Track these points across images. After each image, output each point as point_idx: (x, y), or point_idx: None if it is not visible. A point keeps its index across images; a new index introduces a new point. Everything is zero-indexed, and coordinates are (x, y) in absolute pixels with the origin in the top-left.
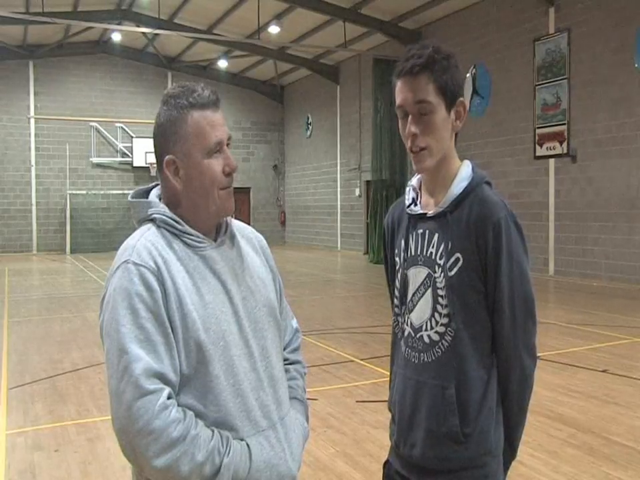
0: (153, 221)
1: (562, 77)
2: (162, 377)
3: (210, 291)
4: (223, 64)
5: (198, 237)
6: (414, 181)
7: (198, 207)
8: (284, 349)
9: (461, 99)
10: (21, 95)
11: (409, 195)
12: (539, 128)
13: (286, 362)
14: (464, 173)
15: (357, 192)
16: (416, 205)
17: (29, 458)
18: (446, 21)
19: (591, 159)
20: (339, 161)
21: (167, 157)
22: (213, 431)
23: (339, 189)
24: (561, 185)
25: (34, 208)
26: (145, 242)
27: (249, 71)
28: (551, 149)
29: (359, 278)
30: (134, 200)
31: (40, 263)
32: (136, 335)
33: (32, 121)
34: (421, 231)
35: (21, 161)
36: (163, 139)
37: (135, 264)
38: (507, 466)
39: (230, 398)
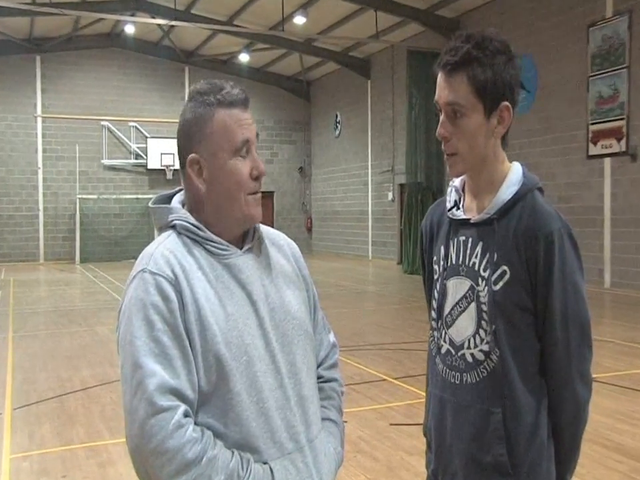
0: (173, 227)
1: (621, 66)
2: (178, 394)
3: (233, 301)
4: (244, 58)
5: (221, 244)
6: (457, 181)
7: (222, 211)
8: (319, 366)
9: (506, 103)
10: (27, 93)
11: (451, 197)
12: (592, 124)
13: (320, 379)
14: (514, 177)
15: (390, 196)
16: (458, 208)
17: None
18: (488, 8)
19: None
20: (370, 162)
21: (191, 156)
22: (232, 453)
23: (370, 193)
24: (618, 187)
25: (41, 214)
26: (163, 250)
27: (273, 65)
28: (606, 147)
29: (392, 289)
30: (154, 206)
31: (47, 273)
32: (151, 349)
33: (39, 120)
34: (462, 238)
35: (27, 163)
36: (188, 136)
37: (152, 273)
38: None
39: (253, 417)
